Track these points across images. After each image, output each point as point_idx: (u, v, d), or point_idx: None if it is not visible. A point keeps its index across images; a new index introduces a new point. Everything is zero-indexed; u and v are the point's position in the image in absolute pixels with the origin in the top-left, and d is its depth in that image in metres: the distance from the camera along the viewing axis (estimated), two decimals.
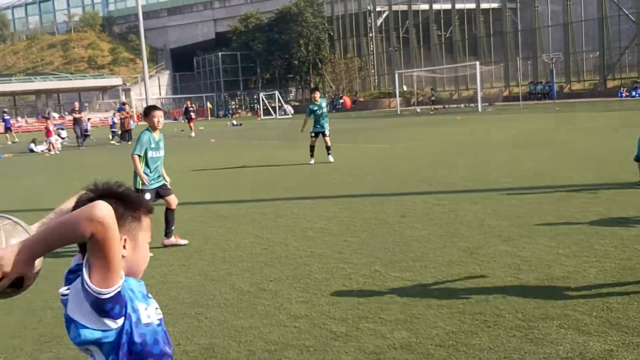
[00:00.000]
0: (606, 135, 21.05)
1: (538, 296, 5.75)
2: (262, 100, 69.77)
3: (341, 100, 69.38)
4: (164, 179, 9.21)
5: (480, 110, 47.66)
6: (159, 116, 8.97)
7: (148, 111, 9.06)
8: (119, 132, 39.30)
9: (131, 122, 39.34)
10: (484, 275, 6.51)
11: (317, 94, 19.10)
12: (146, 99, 50.14)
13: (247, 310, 5.97)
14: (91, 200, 2.01)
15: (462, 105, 57.56)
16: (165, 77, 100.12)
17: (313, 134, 18.69)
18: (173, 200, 9.11)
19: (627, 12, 53.73)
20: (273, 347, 5.05)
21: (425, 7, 71.80)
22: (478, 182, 12.81)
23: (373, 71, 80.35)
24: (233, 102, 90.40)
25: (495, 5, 67.98)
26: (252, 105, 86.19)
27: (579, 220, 8.70)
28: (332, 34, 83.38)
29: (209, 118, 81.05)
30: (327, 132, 18.54)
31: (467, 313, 5.45)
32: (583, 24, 57.95)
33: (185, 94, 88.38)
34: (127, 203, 2.16)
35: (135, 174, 8.86)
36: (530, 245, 7.58)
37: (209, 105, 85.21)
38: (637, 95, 48.87)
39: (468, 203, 10.63)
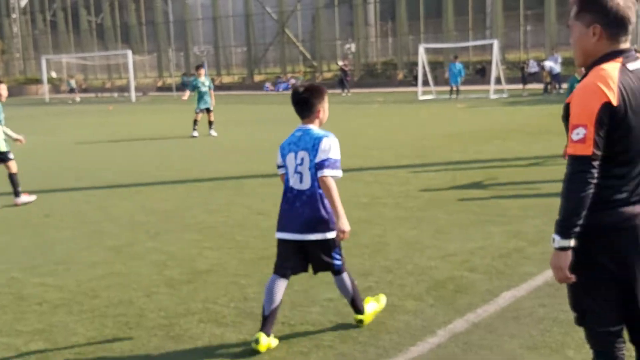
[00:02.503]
0: (252, 128, 22.33)
1: (181, 292, 5.88)
2: None
3: None
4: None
5: (134, 100, 47.21)
6: (5, 88, 10.32)
7: None
8: None
9: None
10: (129, 274, 6.47)
11: (202, 71, 20.03)
12: None
13: None
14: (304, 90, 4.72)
15: (116, 95, 56.46)
16: None
17: (198, 110, 19.56)
18: (14, 165, 10.28)
19: (269, 11, 57.54)
20: None
21: None
22: (129, 176, 12.70)
23: (18, 55, 74.65)
24: None
25: None
26: None
27: (225, 213, 9.10)
28: None
29: None
30: (211, 108, 19.66)
31: (110, 316, 5.36)
32: (231, 19, 60.64)
33: None
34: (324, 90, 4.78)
35: None
36: (177, 240, 7.73)
37: None
38: (280, 89, 52.72)
39: (118, 198, 10.48)
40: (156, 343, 4.81)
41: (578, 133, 2.89)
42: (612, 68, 2.92)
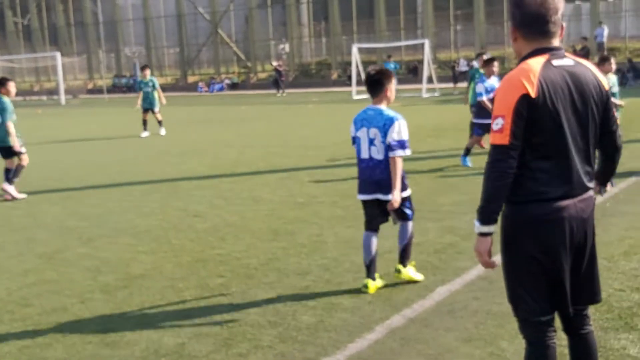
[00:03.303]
0: (186, 130, 22.09)
1: (117, 298, 5.78)
2: None
3: None
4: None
5: (63, 103, 46.11)
6: (13, 86, 10.90)
7: (5, 81, 10.76)
8: None
9: None
10: (62, 281, 6.32)
11: (147, 72, 20.35)
12: None
13: None
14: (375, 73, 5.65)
15: (45, 98, 55.03)
16: None
17: (142, 109, 20.00)
18: (25, 158, 10.96)
19: (201, 12, 57.03)
20: None
21: None
22: (59, 180, 12.40)
23: None
24: None
25: None
26: None
27: (159, 216, 8.98)
28: None
29: None
30: (155, 109, 19.87)
31: (43, 324, 5.23)
32: (163, 20, 59.83)
33: None
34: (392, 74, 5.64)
35: (9, 136, 10.58)
36: (111, 245, 7.59)
37: None
38: (214, 90, 52.33)
39: (47, 204, 10.22)
40: (91, 350, 4.72)
41: (497, 123, 3.00)
42: (535, 62, 3.02)
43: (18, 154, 10.79)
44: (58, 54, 48.32)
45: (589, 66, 3.16)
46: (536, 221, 3.06)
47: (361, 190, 5.70)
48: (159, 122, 20.11)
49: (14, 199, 10.60)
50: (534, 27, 3.06)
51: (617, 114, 10.32)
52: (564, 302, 3.18)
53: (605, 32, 37.50)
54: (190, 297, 5.70)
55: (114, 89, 56.17)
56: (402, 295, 5.49)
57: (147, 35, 58.83)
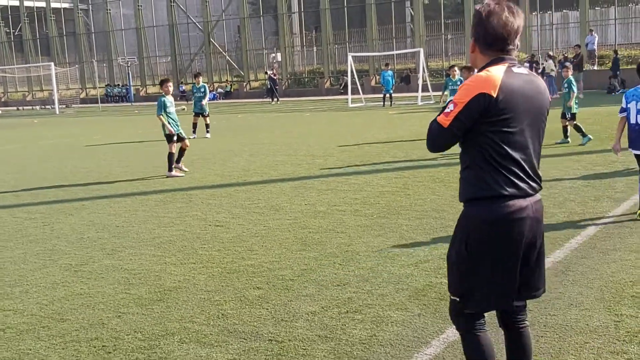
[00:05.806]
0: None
1: (154, 311, 5.60)
2: None
3: None
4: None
5: (57, 112, 45.79)
6: (170, 85, 13.58)
7: (163, 82, 13.54)
8: None
9: None
10: (93, 294, 6.13)
11: (198, 79, 21.74)
12: None
13: None
14: None
15: (38, 107, 54.70)
16: None
17: (194, 114, 21.24)
18: (187, 143, 13.72)
19: (194, 21, 56.82)
20: None
21: None
22: (70, 190, 12.18)
23: None
24: None
25: (66, 5, 65.77)
26: None
27: (180, 226, 8.80)
28: None
29: None
30: (206, 113, 21.06)
31: (83, 340, 5.04)
32: (155, 29, 59.57)
33: None
34: None
35: (164, 126, 13.29)
36: (136, 256, 7.40)
37: None
38: (210, 99, 52.09)
39: (63, 215, 10.01)
40: None
41: (449, 107, 3.21)
42: (497, 69, 3.20)
43: (181, 139, 13.39)
44: (52, 64, 48.03)
45: (538, 77, 3.39)
46: (498, 221, 3.21)
47: (632, 146, 7.81)
48: (207, 125, 21.39)
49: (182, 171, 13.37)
50: (494, 46, 3.25)
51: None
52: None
53: (596, 39, 37.66)
54: (231, 310, 5.53)
55: (106, 98, 55.90)
56: None
57: (140, 45, 58.54)
